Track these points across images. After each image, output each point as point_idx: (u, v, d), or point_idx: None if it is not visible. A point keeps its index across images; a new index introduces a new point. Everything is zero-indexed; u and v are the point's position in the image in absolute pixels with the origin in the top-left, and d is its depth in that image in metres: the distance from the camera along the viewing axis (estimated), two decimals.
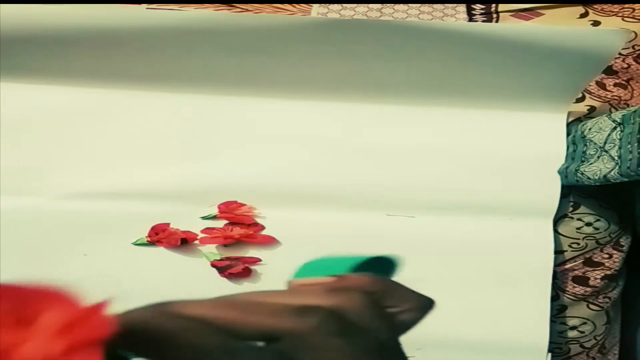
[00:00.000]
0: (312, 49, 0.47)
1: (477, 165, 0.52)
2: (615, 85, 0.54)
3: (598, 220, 0.53)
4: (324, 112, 0.53)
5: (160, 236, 0.52)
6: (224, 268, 0.51)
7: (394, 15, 0.57)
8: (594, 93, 0.54)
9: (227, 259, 0.52)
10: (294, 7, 0.57)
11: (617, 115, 0.48)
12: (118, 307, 0.21)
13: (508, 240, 0.52)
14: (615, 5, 0.57)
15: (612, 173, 0.46)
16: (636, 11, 0.56)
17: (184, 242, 0.51)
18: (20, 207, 0.52)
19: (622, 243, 0.54)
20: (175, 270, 0.52)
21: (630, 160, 0.45)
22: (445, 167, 0.52)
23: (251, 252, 0.52)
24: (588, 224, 0.53)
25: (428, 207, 0.52)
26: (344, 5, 0.57)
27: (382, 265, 0.29)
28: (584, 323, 0.56)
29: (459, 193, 0.52)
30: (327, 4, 0.57)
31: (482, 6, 0.57)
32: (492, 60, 0.47)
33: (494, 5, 0.57)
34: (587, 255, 0.54)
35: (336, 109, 0.52)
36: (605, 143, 0.48)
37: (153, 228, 0.52)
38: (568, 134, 0.52)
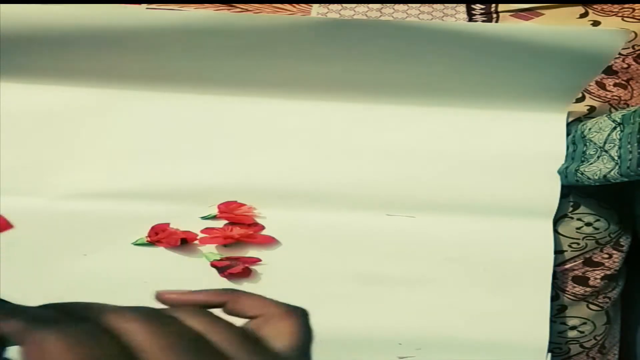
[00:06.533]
0: (311, 49, 0.47)
1: (477, 165, 0.52)
2: (615, 85, 0.54)
3: (598, 220, 0.53)
4: (324, 112, 0.53)
5: (160, 236, 0.52)
6: (223, 268, 0.52)
7: (394, 15, 0.57)
8: (594, 93, 0.54)
9: (227, 259, 0.52)
10: (294, 7, 0.57)
11: (617, 115, 0.48)
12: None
13: (508, 240, 0.52)
14: (615, 5, 0.57)
15: (612, 173, 0.46)
16: (636, 11, 0.56)
17: (183, 242, 0.51)
18: (20, 207, 0.52)
19: (622, 243, 0.54)
20: (175, 270, 0.52)
21: (630, 160, 0.45)
22: (445, 167, 0.52)
23: (251, 252, 0.52)
24: (588, 224, 0.53)
25: (428, 207, 0.52)
26: (344, 5, 0.57)
27: None
28: (584, 323, 0.56)
29: (459, 193, 0.52)
30: (327, 4, 0.57)
31: (482, 6, 0.57)
32: (492, 60, 0.47)
33: (494, 5, 0.57)
34: (587, 255, 0.54)
35: (336, 109, 0.52)
36: (605, 143, 0.48)
37: (153, 228, 0.52)
38: (568, 134, 0.52)
